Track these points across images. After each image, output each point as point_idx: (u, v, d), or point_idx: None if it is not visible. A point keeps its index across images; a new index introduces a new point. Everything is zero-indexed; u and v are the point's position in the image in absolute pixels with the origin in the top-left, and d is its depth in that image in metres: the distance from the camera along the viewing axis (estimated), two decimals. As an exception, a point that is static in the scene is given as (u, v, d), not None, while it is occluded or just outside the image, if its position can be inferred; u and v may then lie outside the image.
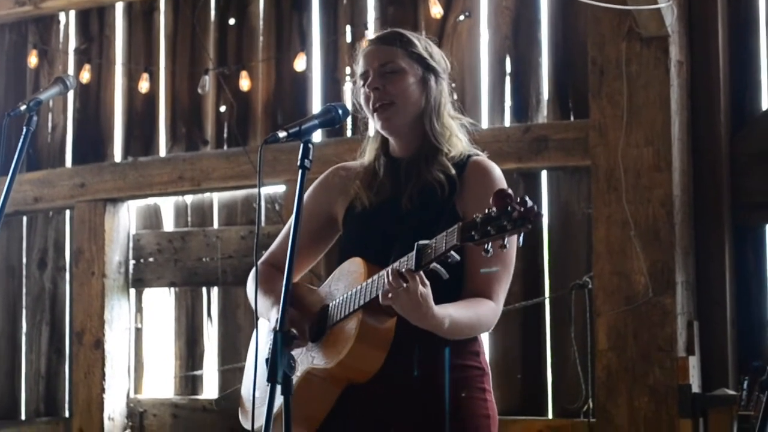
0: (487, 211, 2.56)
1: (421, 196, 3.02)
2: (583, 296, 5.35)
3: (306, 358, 2.99)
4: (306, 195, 3.24)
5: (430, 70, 3.10)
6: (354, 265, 2.99)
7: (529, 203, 2.52)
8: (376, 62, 3.09)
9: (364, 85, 3.11)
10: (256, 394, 3.00)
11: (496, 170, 3.06)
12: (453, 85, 3.24)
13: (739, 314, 5.26)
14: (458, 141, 3.10)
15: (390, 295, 2.72)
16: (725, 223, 5.24)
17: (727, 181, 5.26)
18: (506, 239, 2.54)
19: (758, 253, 5.29)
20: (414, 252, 2.72)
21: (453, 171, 3.02)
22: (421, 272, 2.71)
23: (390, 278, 2.72)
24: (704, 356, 5.19)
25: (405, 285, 2.69)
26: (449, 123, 3.11)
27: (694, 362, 5.10)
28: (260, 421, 2.75)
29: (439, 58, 3.15)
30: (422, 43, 3.14)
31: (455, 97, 3.21)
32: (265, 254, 3.34)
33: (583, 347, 5.33)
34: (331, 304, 3.01)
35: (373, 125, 3.15)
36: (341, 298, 2.96)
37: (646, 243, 5.12)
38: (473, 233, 2.57)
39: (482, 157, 3.10)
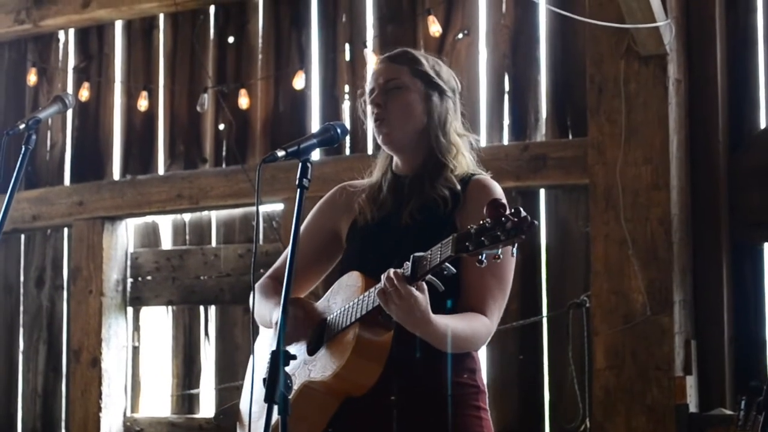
0: (481, 222, 2.58)
1: (422, 212, 3.04)
2: (581, 315, 5.34)
3: (303, 371, 3.00)
4: (311, 212, 3.30)
5: (434, 87, 3.13)
6: (352, 278, 3.00)
7: (523, 213, 2.53)
8: (381, 79, 3.14)
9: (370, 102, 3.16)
10: (254, 408, 3.00)
11: (498, 188, 3.08)
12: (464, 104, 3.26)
13: (737, 333, 5.25)
14: (464, 158, 3.13)
15: (385, 295, 2.74)
16: (723, 242, 5.23)
17: (725, 199, 5.26)
18: (500, 250, 2.55)
19: (756, 271, 5.28)
20: (410, 263, 2.73)
21: (458, 187, 3.04)
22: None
23: (385, 281, 2.73)
24: (702, 375, 5.17)
25: (398, 287, 2.70)
26: (456, 140, 3.13)
27: (691, 381, 5.08)
28: (257, 435, 2.74)
29: (447, 77, 3.18)
30: (430, 62, 3.17)
31: (462, 115, 3.23)
32: (270, 270, 3.37)
33: (580, 366, 5.32)
34: (329, 318, 3.02)
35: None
36: (339, 311, 2.97)
37: (644, 262, 5.12)
38: (467, 244, 2.59)
39: (485, 176, 3.13)
